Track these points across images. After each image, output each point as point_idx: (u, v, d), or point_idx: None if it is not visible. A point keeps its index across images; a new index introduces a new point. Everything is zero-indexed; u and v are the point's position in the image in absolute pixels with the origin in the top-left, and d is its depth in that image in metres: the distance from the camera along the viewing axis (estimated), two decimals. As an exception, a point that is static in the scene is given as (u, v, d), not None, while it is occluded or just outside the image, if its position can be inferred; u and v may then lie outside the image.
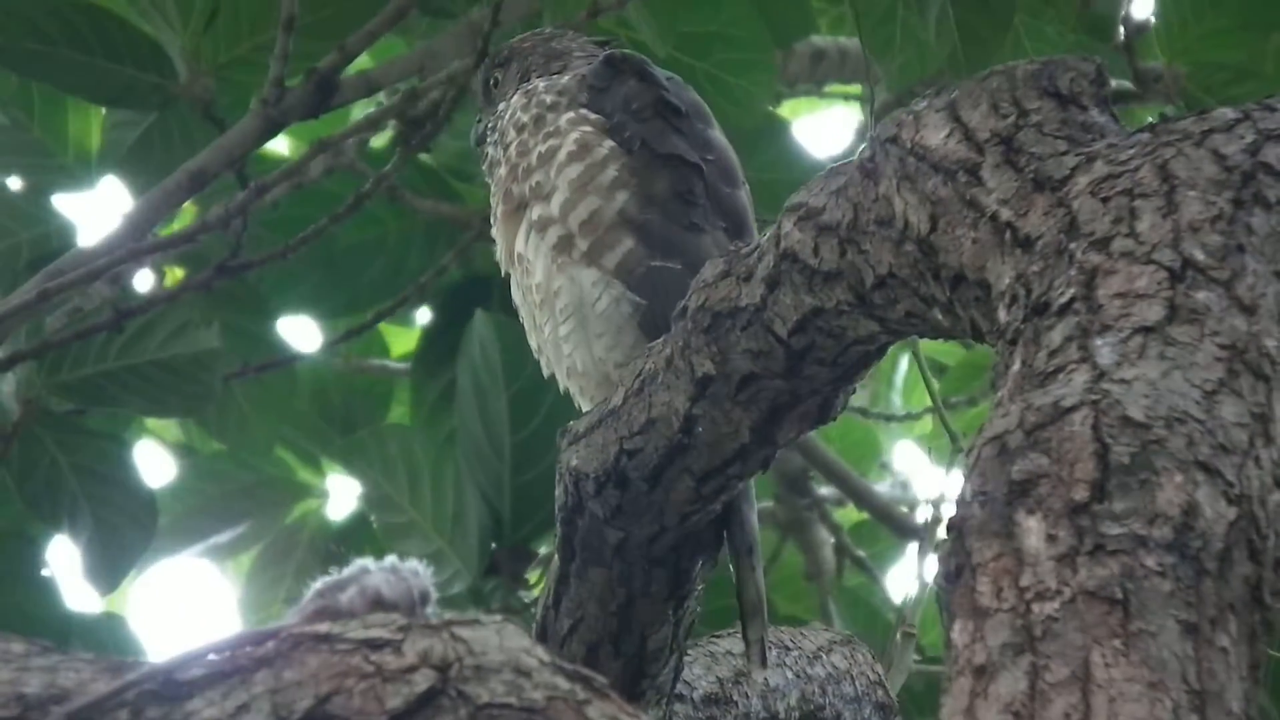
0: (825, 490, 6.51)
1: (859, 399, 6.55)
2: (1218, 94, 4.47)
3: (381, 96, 5.14)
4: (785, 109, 6.42)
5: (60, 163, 5.21)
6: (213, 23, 4.74)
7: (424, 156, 5.30)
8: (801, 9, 5.29)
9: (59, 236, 5.13)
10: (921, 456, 6.97)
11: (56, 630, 4.52)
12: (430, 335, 5.65)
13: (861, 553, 6.45)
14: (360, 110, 5.44)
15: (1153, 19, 4.71)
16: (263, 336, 5.40)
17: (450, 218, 5.44)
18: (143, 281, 5.26)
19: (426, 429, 5.55)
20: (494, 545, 5.12)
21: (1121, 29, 4.87)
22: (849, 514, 6.63)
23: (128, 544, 4.81)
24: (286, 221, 5.07)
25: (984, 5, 3.90)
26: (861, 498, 6.33)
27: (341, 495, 6.21)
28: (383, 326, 5.81)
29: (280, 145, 5.60)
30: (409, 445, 5.25)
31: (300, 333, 5.88)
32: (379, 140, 5.52)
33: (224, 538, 6.06)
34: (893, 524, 6.45)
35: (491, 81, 3.32)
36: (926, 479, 7.23)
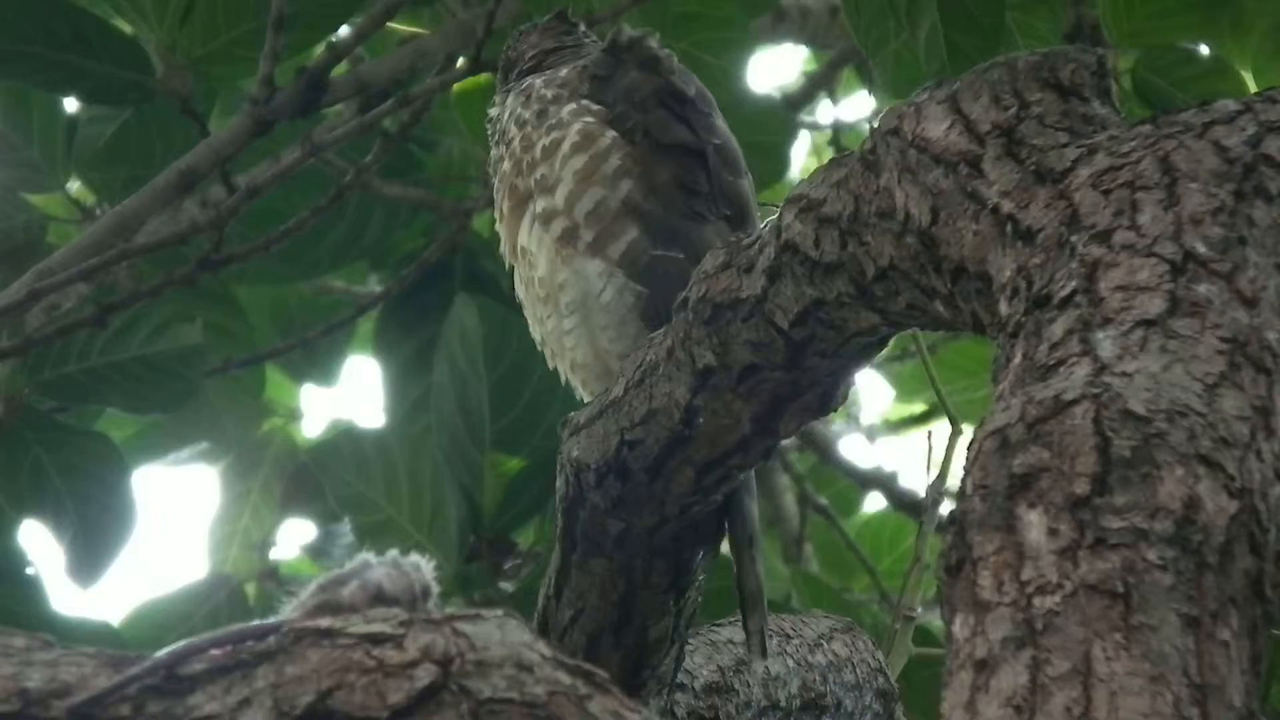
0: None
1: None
2: (1167, 76, 4.46)
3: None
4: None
5: (26, 157, 5.19)
6: (189, 17, 4.71)
7: (387, 124, 5.30)
8: None
9: (26, 230, 5.11)
10: (872, 388, 7.07)
11: (42, 630, 4.51)
12: (393, 300, 5.63)
13: (823, 500, 6.49)
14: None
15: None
16: (237, 330, 5.39)
17: (418, 201, 5.44)
18: (121, 276, 5.25)
19: (395, 392, 5.54)
20: (473, 536, 5.11)
21: (1072, 11, 4.87)
22: (808, 457, 6.67)
23: (110, 540, 4.81)
24: (261, 212, 5.05)
25: (974, 25, 3.89)
26: (820, 448, 6.39)
27: (313, 415, 6.34)
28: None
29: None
30: (384, 443, 5.23)
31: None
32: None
33: (190, 451, 6.07)
34: (854, 475, 6.50)
35: (509, 64, 3.30)
36: (874, 409, 7.33)
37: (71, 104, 5.22)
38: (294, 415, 6.33)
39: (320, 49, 4.58)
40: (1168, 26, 4.51)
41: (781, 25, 6.11)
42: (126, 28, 4.76)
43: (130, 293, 4.62)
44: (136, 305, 4.56)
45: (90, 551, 4.80)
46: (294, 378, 6.22)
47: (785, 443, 6.35)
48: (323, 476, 5.35)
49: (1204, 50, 4.59)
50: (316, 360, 6.02)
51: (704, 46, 5.01)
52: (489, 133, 3.23)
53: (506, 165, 3.11)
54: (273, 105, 4.37)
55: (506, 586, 4.99)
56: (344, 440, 5.32)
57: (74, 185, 5.32)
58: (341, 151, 4.99)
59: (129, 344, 4.67)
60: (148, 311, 4.65)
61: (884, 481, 6.54)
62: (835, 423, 6.90)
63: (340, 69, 4.81)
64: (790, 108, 6.14)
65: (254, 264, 5.36)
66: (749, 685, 3.25)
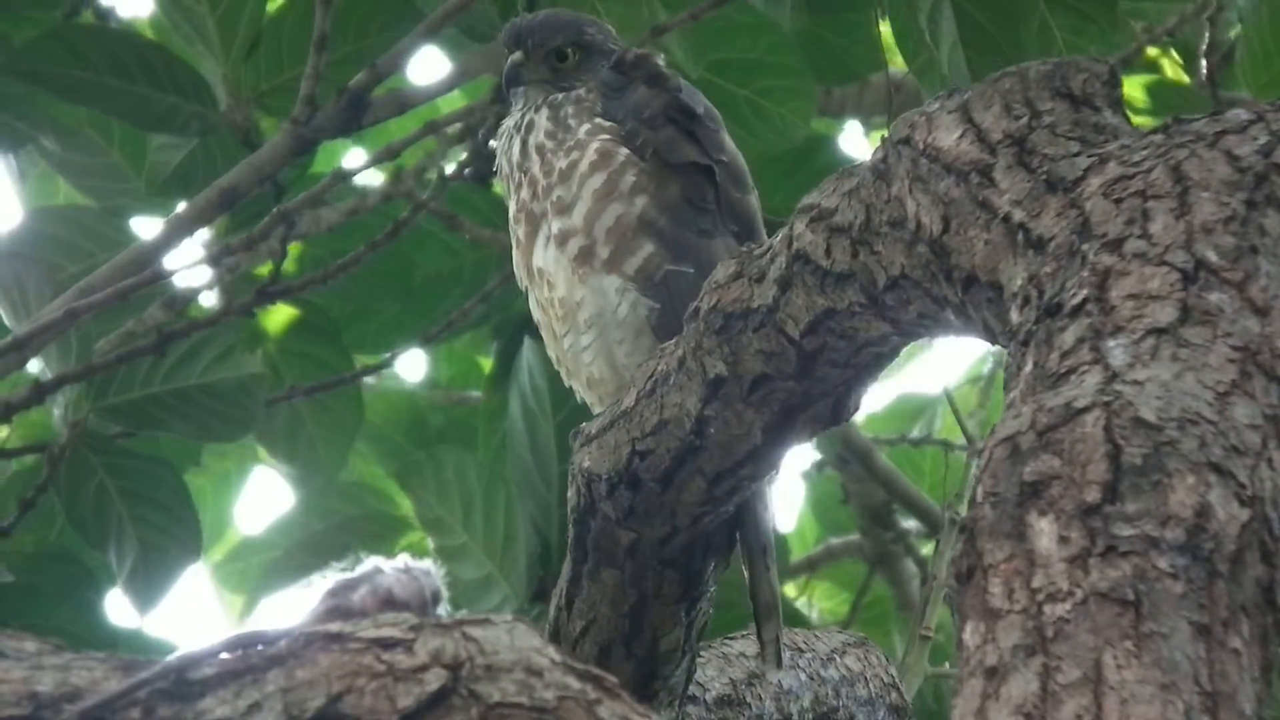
0: (910, 523, 6.49)
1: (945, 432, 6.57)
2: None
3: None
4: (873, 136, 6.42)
5: (136, 186, 5.25)
6: (253, 52, 4.79)
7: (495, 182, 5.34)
8: (869, 46, 5.28)
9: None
10: None
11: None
12: (498, 365, 5.67)
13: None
14: (398, 128, 5.46)
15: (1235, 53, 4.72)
16: (330, 361, 5.43)
17: (508, 246, 5.45)
18: (206, 301, 5.31)
19: (495, 459, 5.56)
20: (542, 572, 5.14)
21: (1204, 62, 4.90)
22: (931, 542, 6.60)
23: (170, 565, 4.86)
24: (346, 248, 5.09)
25: (997, 50, 3.90)
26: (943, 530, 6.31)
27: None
28: (481, 359, 5.86)
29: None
30: (463, 469, 5.27)
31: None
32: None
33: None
34: None
35: (560, 54, 3.19)
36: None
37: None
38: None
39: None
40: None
41: (897, 98, 6.08)
42: (193, 60, 4.83)
43: (189, 321, 4.67)
44: (196, 334, 4.61)
45: (150, 576, 4.85)
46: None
47: (911, 527, 6.33)
48: (408, 494, 5.39)
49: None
50: (409, 468, 6.03)
51: (767, 95, 5.03)
52: (506, 134, 3.19)
53: (525, 193, 3.10)
54: (313, 124, 4.41)
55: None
56: (428, 462, 5.35)
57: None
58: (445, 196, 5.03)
59: (192, 371, 4.72)
60: (211, 339, 4.69)
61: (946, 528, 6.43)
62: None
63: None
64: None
65: (375, 327, 5.45)
66: (761, 698, 3.25)
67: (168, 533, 4.84)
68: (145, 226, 5.38)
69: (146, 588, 4.86)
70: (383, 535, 6.03)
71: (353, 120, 4.48)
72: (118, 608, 4.98)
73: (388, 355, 5.52)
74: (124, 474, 4.81)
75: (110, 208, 5.29)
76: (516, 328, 5.50)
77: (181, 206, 5.23)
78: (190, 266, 4.54)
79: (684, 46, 4.63)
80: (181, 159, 5.12)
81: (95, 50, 4.77)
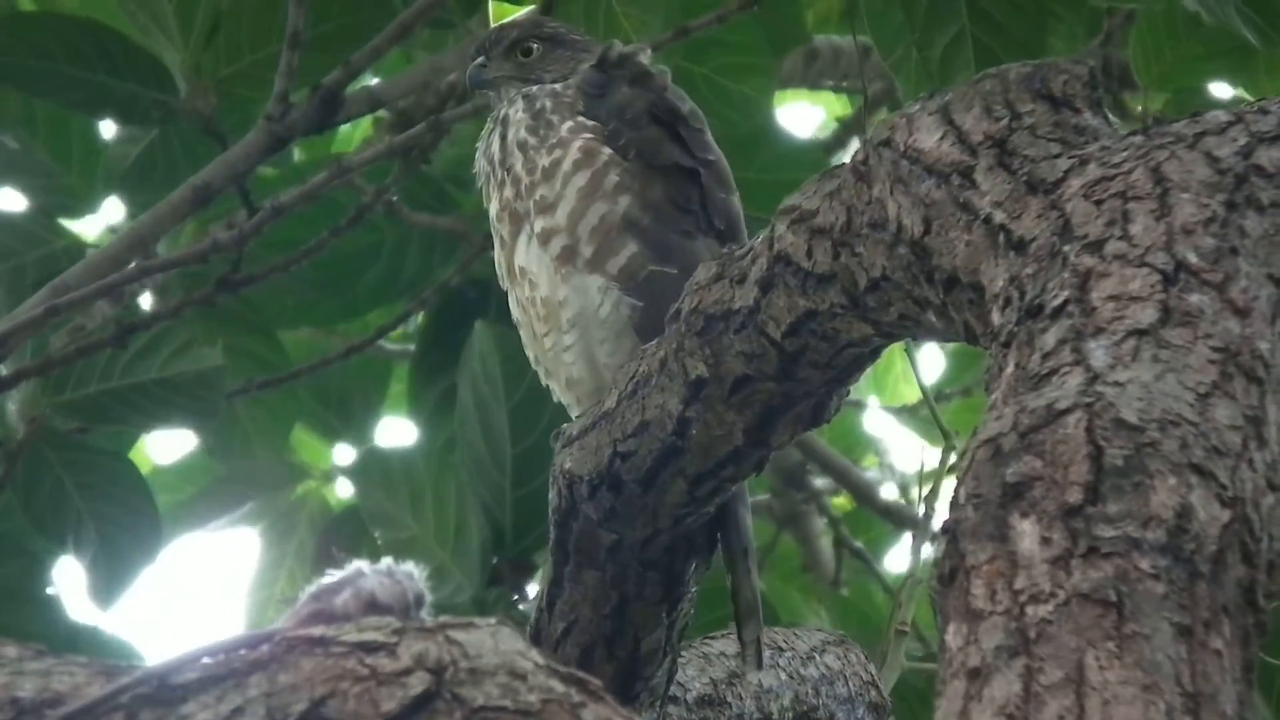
0: (821, 481, 6.52)
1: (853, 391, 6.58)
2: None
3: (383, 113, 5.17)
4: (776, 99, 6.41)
5: (64, 183, 5.21)
6: (213, 38, 4.77)
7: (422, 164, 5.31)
8: (796, 20, 5.29)
9: (66, 257, 5.11)
10: (908, 436, 6.96)
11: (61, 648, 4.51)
12: (426, 340, 5.66)
13: (858, 543, 6.46)
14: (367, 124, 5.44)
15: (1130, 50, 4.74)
16: (265, 355, 5.40)
17: (447, 230, 5.44)
18: (146, 298, 5.27)
19: (428, 432, 5.55)
20: (495, 558, 5.14)
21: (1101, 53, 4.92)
22: (844, 500, 6.64)
23: (131, 560, 4.83)
24: (286, 235, 5.07)
25: (1006, 33, 3.90)
26: (859, 491, 6.35)
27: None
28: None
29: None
30: (410, 461, 5.26)
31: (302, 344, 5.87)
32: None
33: (229, 518, 6.10)
34: (890, 517, 6.47)
35: (524, 49, 3.23)
36: (914, 458, 7.22)
37: (106, 127, 5.25)
38: (328, 477, 6.33)
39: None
40: (1197, 70, 4.54)
41: (814, 65, 6.10)
42: (151, 48, 4.80)
43: (150, 314, 4.64)
44: (157, 326, 4.58)
45: (110, 573, 4.83)
46: (327, 439, 6.22)
47: (822, 486, 6.38)
48: (357, 491, 5.38)
49: (1234, 93, 4.62)
50: (350, 421, 6.03)
51: (725, 72, 5.01)
52: (487, 130, 3.20)
53: (509, 191, 3.10)
54: (287, 122, 4.39)
55: (526, 609, 4.99)
56: (375, 458, 5.34)
57: (110, 211, 5.35)
58: (372, 178, 5.00)
59: (150, 365, 4.69)
60: (169, 333, 4.66)
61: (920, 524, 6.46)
62: (870, 469, 6.87)
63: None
64: (825, 151, 6.12)
65: (292, 303, 5.42)
66: (741, 698, 3.25)
67: (127, 528, 4.81)
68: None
69: (106, 584, 4.84)
70: (281, 483, 6.04)
71: (327, 118, 4.47)
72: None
73: (338, 352, 5.49)
74: (82, 469, 4.78)
75: (41, 205, 5.24)
76: (445, 301, 5.47)
77: (110, 201, 5.25)
78: (182, 263, 4.51)
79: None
80: (141, 150, 5.09)
81: (51, 37, 4.73)
